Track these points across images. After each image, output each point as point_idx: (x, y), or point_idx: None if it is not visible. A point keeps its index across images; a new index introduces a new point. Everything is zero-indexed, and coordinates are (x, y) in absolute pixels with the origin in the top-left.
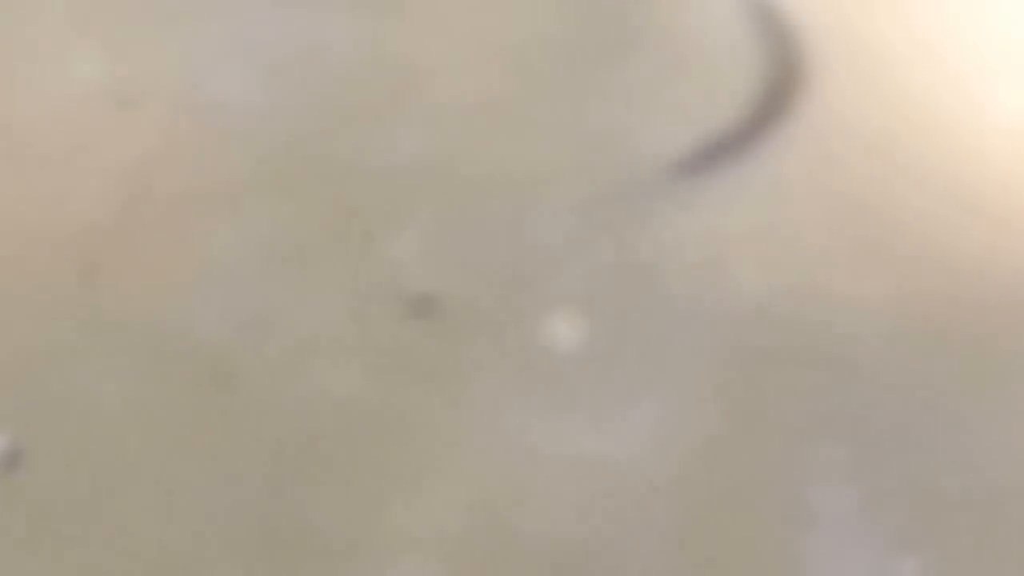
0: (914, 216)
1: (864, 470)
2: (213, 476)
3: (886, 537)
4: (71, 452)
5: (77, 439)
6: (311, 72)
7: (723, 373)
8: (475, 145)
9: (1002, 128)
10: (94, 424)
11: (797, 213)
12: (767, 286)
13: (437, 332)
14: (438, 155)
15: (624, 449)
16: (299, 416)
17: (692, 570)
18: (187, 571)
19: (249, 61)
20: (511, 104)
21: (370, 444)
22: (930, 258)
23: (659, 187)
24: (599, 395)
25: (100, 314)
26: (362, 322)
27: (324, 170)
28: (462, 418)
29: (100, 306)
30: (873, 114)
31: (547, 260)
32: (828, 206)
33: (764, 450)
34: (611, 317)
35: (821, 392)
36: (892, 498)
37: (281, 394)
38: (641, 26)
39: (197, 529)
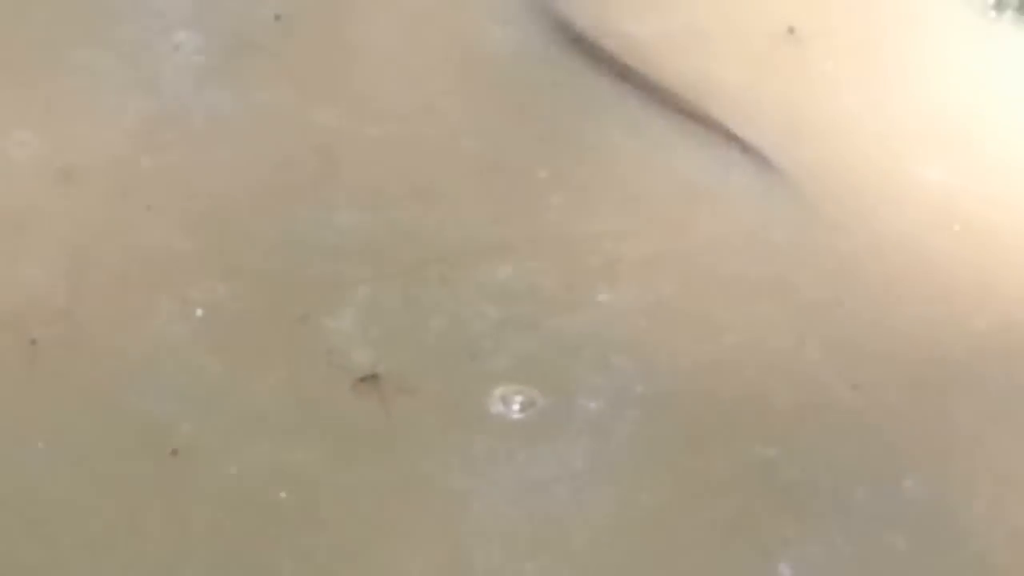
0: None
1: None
2: (161, 552)
3: None
4: (14, 527)
5: (22, 514)
6: (245, 147)
7: (672, 446)
8: (407, 222)
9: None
10: (39, 500)
11: (733, 272)
12: (709, 351)
13: (381, 405)
14: (371, 232)
15: (575, 523)
16: (248, 492)
17: None
18: None
19: (183, 135)
20: (443, 182)
21: (321, 518)
22: (880, 329)
23: None
24: (547, 468)
25: (44, 390)
26: (307, 399)
27: (259, 246)
28: (411, 491)
29: (44, 382)
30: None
31: (487, 334)
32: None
33: (714, 526)
34: (556, 390)
35: (771, 467)
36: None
37: (229, 470)
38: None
39: None
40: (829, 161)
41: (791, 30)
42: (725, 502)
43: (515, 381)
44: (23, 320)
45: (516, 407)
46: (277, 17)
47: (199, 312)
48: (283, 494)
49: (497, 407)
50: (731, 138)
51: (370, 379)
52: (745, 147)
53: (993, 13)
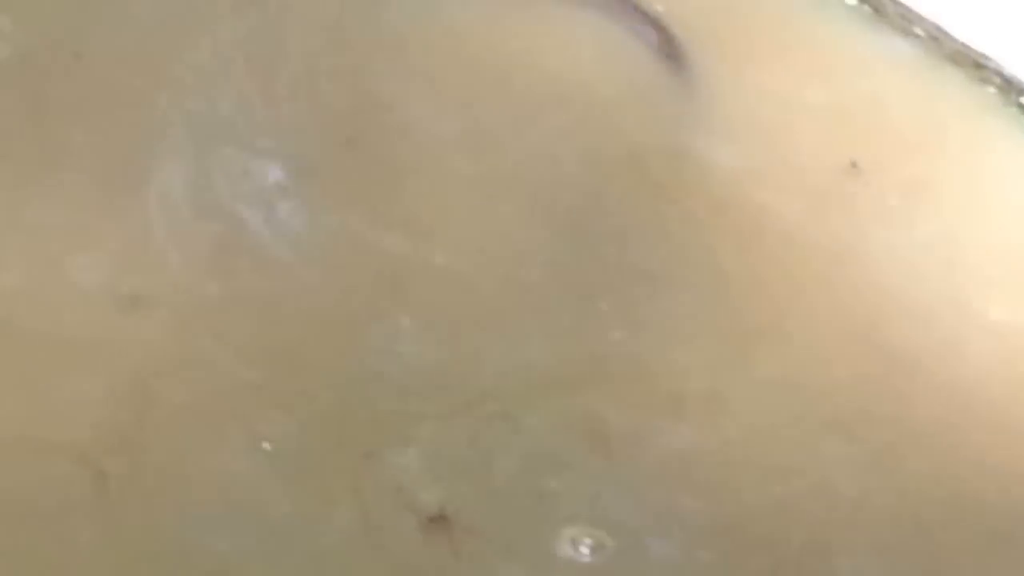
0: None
1: None
2: None
3: None
4: None
5: None
6: (313, 274)
7: None
8: (472, 354)
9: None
10: None
11: (797, 412)
12: (776, 494)
13: (449, 546)
14: (435, 364)
15: None
16: None
17: None
18: None
19: (251, 261)
20: (508, 313)
21: None
22: (944, 473)
23: None
24: None
25: (111, 522)
26: (375, 538)
27: (325, 377)
28: None
29: (111, 514)
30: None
31: (554, 473)
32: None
33: None
34: (625, 532)
35: None
36: None
37: None
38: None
39: None
40: (893, 297)
41: (854, 164)
42: None
43: (583, 523)
44: (91, 451)
45: (586, 550)
46: (349, 141)
47: (266, 446)
48: None
49: (566, 550)
50: None
51: (439, 520)
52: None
53: None
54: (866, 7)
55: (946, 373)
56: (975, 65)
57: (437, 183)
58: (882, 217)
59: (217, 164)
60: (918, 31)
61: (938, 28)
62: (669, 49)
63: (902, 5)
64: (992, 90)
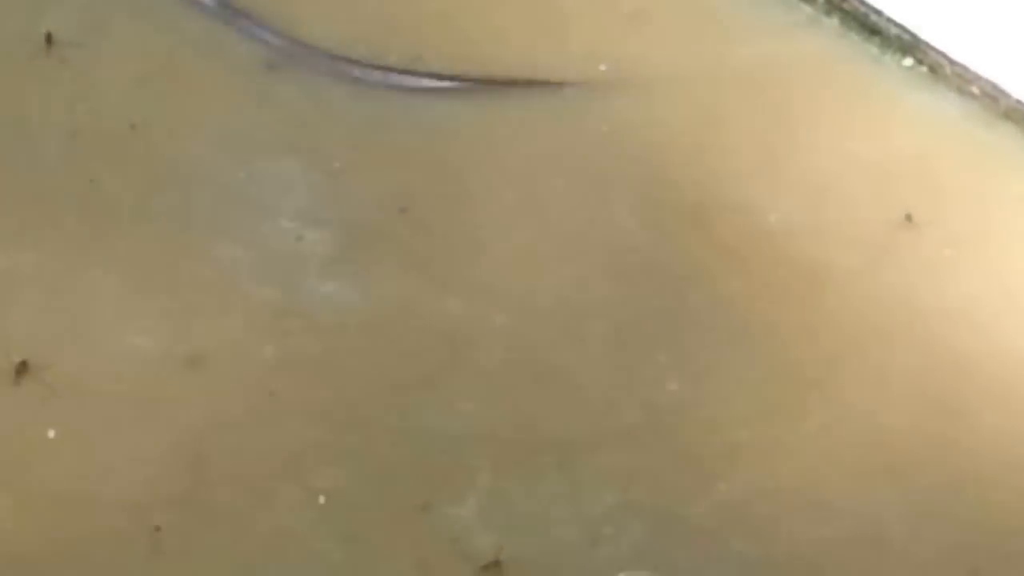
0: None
1: None
2: None
3: None
4: None
5: None
6: (368, 336)
7: None
8: (528, 407)
9: None
10: None
11: (849, 460)
12: (828, 538)
13: None
14: (492, 418)
15: None
16: None
17: None
18: None
19: (307, 324)
20: (565, 367)
21: None
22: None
23: None
24: None
25: None
26: None
27: (381, 434)
28: None
29: (167, 569)
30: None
31: (608, 520)
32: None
33: None
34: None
35: None
36: None
37: None
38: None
39: None
40: (946, 348)
41: (908, 218)
42: None
43: (637, 568)
44: (147, 506)
45: None
46: (402, 209)
47: (322, 499)
48: None
49: None
50: None
51: (493, 567)
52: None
53: None
54: (923, 67)
55: (997, 422)
56: None
57: (493, 246)
58: (936, 269)
59: (273, 230)
60: (974, 90)
61: (995, 87)
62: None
63: (960, 65)
64: None
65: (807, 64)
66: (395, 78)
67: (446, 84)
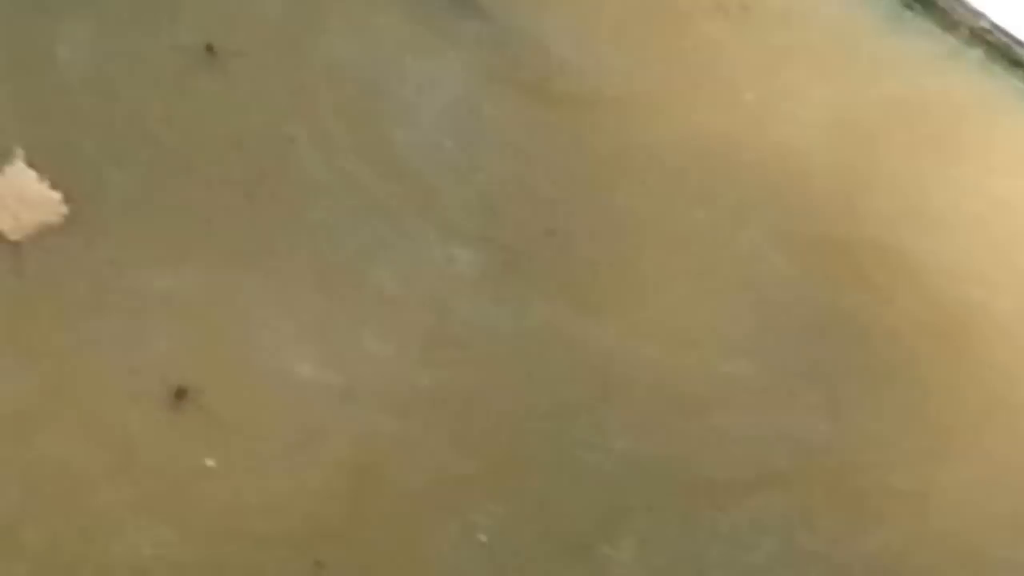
0: None
1: None
2: None
3: None
4: None
5: None
6: (522, 365)
7: None
8: (681, 446)
9: None
10: None
11: (999, 509)
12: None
13: None
14: (645, 457)
15: None
16: None
17: None
18: None
19: (460, 352)
20: (716, 406)
21: None
22: None
23: None
24: None
25: None
26: None
27: (538, 469)
28: None
29: None
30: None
31: (765, 566)
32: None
33: None
34: None
35: None
36: None
37: None
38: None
39: None
40: None
41: None
42: None
43: None
44: (307, 540)
45: None
46: (550, 232)
47: (483, 538)
48: None
49: None
50: None
51: None
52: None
53: None
54: None
55: None
56: None
57: (644, 274)
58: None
59: (425, 254)
60: None
61: None
62: None
63: None
64: None
65: (951, 97)
66: None
67: None
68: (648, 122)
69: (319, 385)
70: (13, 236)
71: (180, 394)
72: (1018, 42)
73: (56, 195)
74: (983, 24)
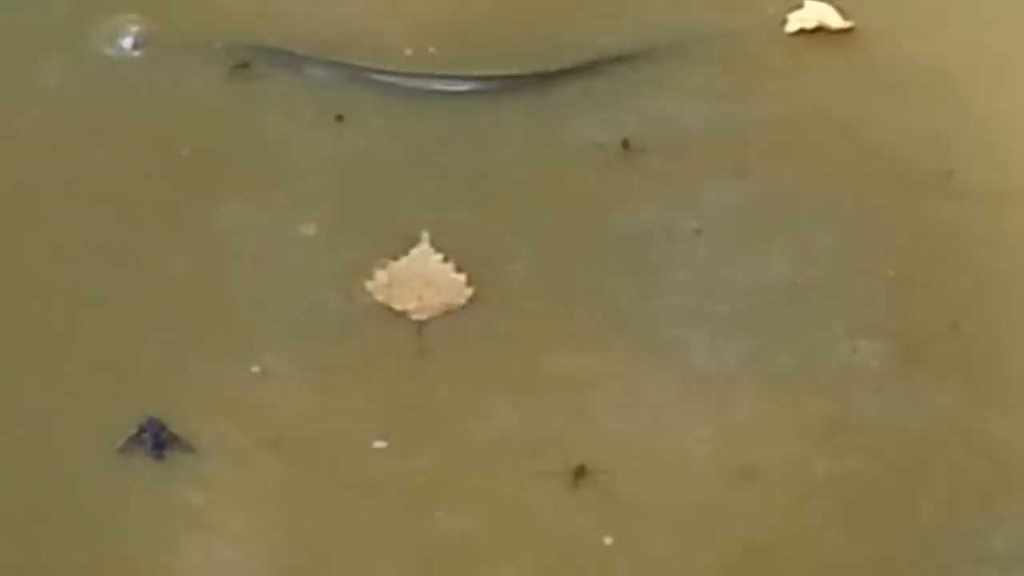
0: None
1: None
2: None
3: None
4: None
5: None
6: (916, 455)
7: None
8: None
9: None
10: None
11: None
12: None
13: None
14: None
15: None
16: None
17: None
18: None
19: (860, 440)
20: None
21: None
22: None
23: None
24: None
25: None
26: None
27: (929, 557)
28: None
29: None
30: None
31: None
32: None
33: None
34: None
35: None
36: None
37: None
38: None
39: None
40: None
41: None
42: None
43: None
44: None
45: None
46: (954, 325)
47: None
48: None
49: None
50: None
51: None
52: None
53: None
54: None
55: None
56: None
57: None
58: None
59: (826, 344)
60: None
61: None
62: None
63: None
64: None
65: None
66: None
67: None
68: None
69: (717, 467)
70: (417, 316)
71: (580, 473)
72: None
73: (461, 277)
74: None
